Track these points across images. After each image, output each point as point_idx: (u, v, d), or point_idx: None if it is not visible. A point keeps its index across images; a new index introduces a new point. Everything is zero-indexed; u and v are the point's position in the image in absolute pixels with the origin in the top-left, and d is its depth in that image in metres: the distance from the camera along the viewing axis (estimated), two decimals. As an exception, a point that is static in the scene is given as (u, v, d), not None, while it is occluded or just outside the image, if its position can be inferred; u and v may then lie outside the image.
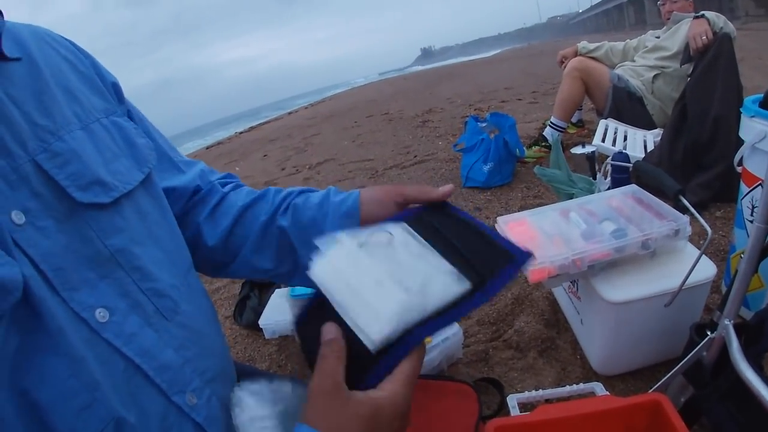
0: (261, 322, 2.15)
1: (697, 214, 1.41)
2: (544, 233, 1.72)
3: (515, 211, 2.31)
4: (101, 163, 0.79)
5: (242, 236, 1.07)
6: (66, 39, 0.92)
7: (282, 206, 1.06)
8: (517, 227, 1.78)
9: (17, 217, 0.65)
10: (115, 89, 0.95)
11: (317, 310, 0.79)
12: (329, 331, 0.70)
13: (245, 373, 1.04)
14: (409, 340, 0.68)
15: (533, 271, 1.55)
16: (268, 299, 2.34)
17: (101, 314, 0.70)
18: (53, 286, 0.66)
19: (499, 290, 0.74)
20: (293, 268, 1.07)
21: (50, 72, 0.80)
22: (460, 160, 4.30)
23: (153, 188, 0.91)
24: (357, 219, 0.99)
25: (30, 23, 0.87)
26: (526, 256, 0.81)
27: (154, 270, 0.81)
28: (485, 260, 0.78)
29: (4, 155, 0.66)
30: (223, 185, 1.14)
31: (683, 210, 1.54)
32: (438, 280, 0.74)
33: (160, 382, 0.74)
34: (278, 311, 2.18)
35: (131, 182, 0.83)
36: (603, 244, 1.57)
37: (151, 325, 0.77)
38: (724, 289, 2.01)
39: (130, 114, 0.98)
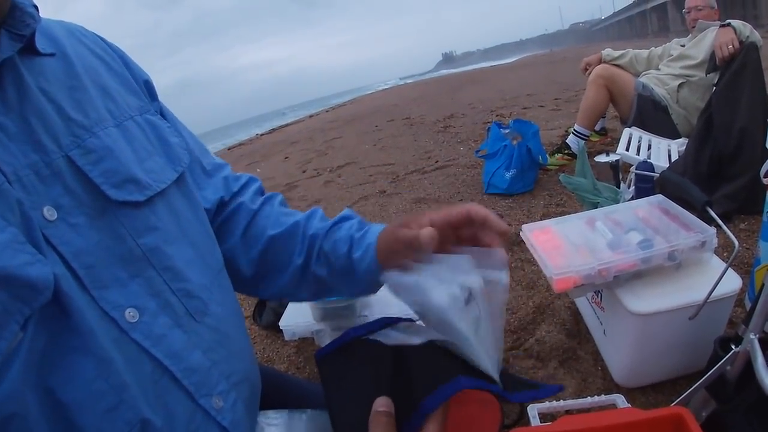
0: (281, 323, 2.15)
1: (724, 227, 1.40)
2: (569, 242, 1.71)
3: (537, 219, 2.30)
4: (135, 161, 0.78)
5: (273, 267, 1.05)
6: (98, 36, 0.91)
7: (314, 252, 1.02)
8: (541, 235, 1.78)
9: (49, 213, 0.64)
10: (148, 87, 0.95)
11: (345, 351, 0.80)
12: (383, 404, 0.68)
13: (264, 375, 1.04)
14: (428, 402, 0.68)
15: (558, 281, 1.54)
16: (288, 301, 2.35)
17: (131, 314, 0.69)
18: (83, 284, 0.65)
19: (510, 400, 0.74)
20: (333, 294, 1.07)
21: (84, 69, 0.79)
22: (481, 166, 4.31)
23: (186, 187, 0.90)
24: (377, 268, 0.94)
25: (62, 20, 0.87)
26: (551, 391, 0.80)
27: (185, 270, 0.80)
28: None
29: (37, 150, 0.66)
30: (252, 199, 1.10)
31: (709, 221, 1.53)
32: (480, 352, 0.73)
33: (188, 385, 0.74)
34: (299, 313, 2.18)
35: (165, 181, 0.83)
36: (629, 255, 1.56)
37: (181, 326, 0.76)
38: (747, 303, 1.98)
39: (162, 112, 0.97)
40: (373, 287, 0.99)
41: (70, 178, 0.68)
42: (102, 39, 0.92)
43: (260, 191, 1.14)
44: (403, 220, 0.91)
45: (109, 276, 0.69)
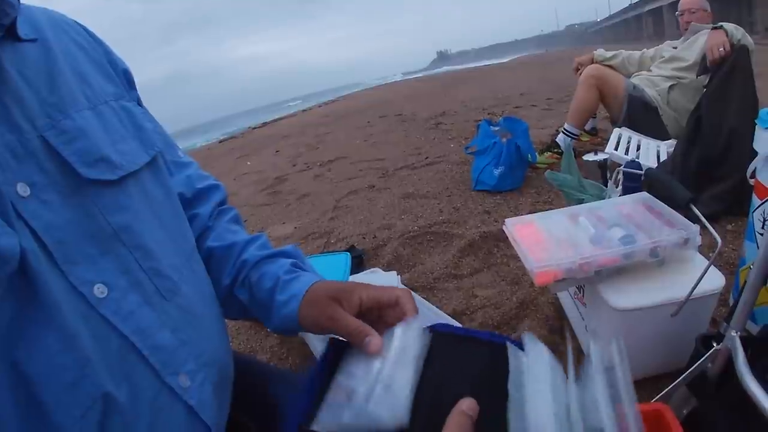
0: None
1: (707, 223, 1.40)
2: (551, 237, 1.71)
3: (524, 216, 2.31)
4: (108, 143, 0.79)
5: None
6: (79, 24, 0.93)
7: (240, 277, 1.03)
8: (524, 230, 1.77)
9: (22, 189, 0.65)
10: (126, 76, 0.96)
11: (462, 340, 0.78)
12: (470, 407, 0.65)
13: (245, 364, 1.04)
14: None
15: (540, 274, 1.54)
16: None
17: (99, 290, 0.70)
18: (54, 258, 0.66)
19: None
20: (255, 319, 1.06)
21: (63, 55, 0.81)
22: (471, 163, 4.31)
23: (159, 171, 0.92)
24: (296, 324, 0.94)
25: (45, 8, 0.89)
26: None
27: (156, 250, 0.81)
28: None
29: (13, 130, 0.67)
30: (210, 214, 1.11)
31: (694, 219, 1.52)
32: None
33: (154, 362, 0.74)
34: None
35: (137, 162, 0.84)
36: (611, 250, 1.55)
37: (150, 305, 0.77)
38: (732, 303, 1.98)
39: (140, 101, 0.99)
40: (290, 332, 0.99)
41: (44, 157, 0.70)
42: (84, 28, 0.93)
43: (221, 203, 1.16)
44: (336, 292, 0.91)
45: (79, 252, 0.70)
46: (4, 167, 0.65)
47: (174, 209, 0.94)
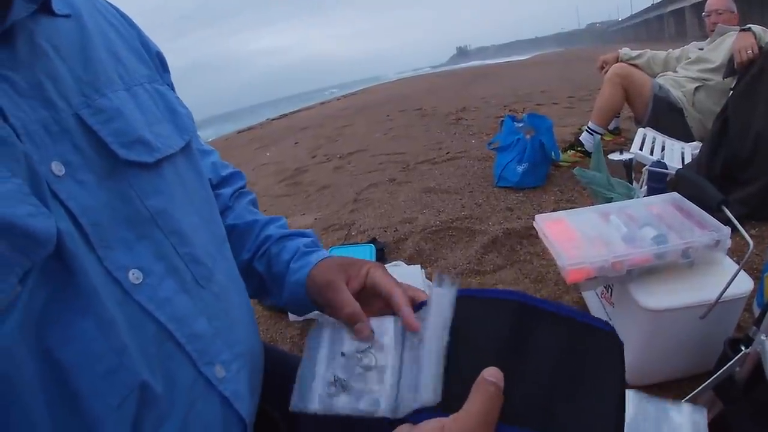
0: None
1: (739, 226, 1.40)
2: (583, 234, 1.70)
3: (549, 214, 2.30)
4: (144, 125, 0.78)
5: None
6: (112, 6, 0.91)
7: (260, 250, 1.06)
8: (554, 226, 1.77)
9: (57, 168, 0.63)
10: (160, 59, 0.95)
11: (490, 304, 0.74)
12: (493, 374, 0.61)
13: (267, 353, 1.03)
14: None
15: (571, 272, 1.53)
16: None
17: (135, 275, 0.68)
18: (90, 242, 0.64)
19: None
20: (268, 297, 1.09)
21: (97, 33, 0.79)
22: (493, 159, 4.30)
23: (192, 157, 0.90)
24: (304, 290, 0.95)
25: None
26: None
27: (191, 235, 0.79)
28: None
29: (47, 107, 0.65)
30: (231, 194, 1.13)
31: (724, 221, 1.52)
32: None
33: (191, 351, 0.73)
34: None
35: (173, 146, 0.83)
36: (644, 249, 1.55)
37: (187, 291, 0.75)
38: (756, 309, 1.97)
39: (172, 86, 0.97)
40: (299, 305, 1.00)
41: (80, 137, 0.68)
42: (116, 9, 0.92)
43: (242, 188, 1.17)
44: (347, 261, 0.93)
45: (115, 236, 0.68)
46: (39, 144, 0.62)
47: (207, 195, 0.93)
